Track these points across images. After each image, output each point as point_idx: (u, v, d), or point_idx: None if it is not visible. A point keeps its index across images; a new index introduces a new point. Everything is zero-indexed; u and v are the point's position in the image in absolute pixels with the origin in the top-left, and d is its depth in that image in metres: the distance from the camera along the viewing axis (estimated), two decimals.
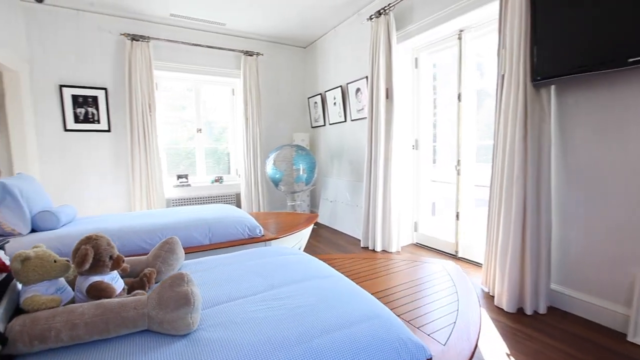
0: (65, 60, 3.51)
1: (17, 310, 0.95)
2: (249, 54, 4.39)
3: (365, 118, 3.59)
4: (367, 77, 3.47)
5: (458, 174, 3.02)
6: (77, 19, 3.53)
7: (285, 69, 4.86)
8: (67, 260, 1.03)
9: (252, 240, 2.47)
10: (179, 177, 4.32)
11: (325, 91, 4.48)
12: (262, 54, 4.53)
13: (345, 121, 4.20)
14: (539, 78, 1.95)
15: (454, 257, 3.07)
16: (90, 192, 3.69)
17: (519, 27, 2.02)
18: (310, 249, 3.51)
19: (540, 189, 2.04)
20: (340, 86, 4.13)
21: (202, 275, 1.33)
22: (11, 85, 3.20)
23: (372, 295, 1.25)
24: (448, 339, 1.16)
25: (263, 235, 2.53)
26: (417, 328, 1.26)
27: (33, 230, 2.06)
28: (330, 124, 4.54)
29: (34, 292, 0.94)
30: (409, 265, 1.94)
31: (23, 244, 1.87)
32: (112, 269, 1.07)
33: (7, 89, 3.20)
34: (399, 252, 3.30)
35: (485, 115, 3.06)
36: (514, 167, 2.08)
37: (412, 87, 3.44)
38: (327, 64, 4.50)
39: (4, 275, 0.96)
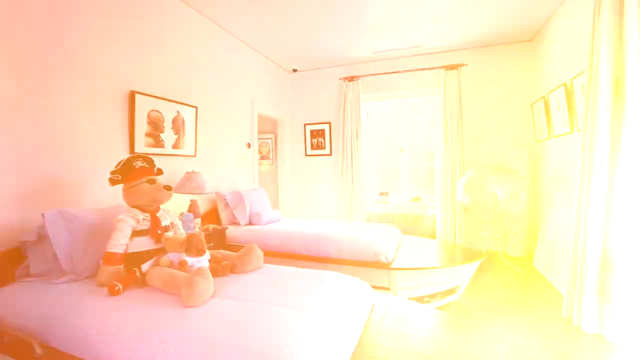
0: (308, 105, 5.00)
1: None
2: (450, 68, 4.14)
3: None
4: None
5: None
6: (317, 75, 4.93)
7: (496, 75, 4.08)
8: None
9: (376, 264, 2.50)
10: (381, 194, 4.80)
11: (548, 93, 3.35)
12: (466, 64, 4.10)
13: (571, 132, 2.97)
14: None
15: None
16: (315, 202, 5.00)
17: None
18: (477, 296, 2.85)
19: None
20: (564, 84, 2.97)
21: (252, 276, 1.74)
22: (280, 129, 5.04)
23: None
24: None
25: (389, 263, 2.49)
26: None
27: (250, 223, 3.28)
28: (555, 137, 3.33)
29: (165, 257, 1.75)
30: None
31: (237, 231, 3.07)
32: (196, 255, 1.72)
33: (278, 132, 5.06)
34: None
35: None
36: None
37: None
38: (553, 55, 3.35)
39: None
